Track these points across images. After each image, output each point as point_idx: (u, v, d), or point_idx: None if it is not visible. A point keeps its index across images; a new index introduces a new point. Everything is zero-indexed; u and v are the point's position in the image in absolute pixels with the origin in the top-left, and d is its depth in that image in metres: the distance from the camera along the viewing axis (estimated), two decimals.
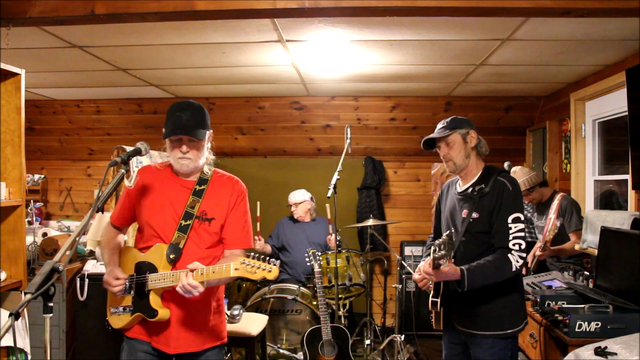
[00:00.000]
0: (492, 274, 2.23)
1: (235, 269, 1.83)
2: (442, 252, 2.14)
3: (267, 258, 1.84)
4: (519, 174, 3.78)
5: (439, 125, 2.46)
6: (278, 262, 1.84)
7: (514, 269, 2.22)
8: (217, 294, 2.23)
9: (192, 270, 1.92)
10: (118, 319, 2.16)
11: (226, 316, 3.22)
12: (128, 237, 3.67)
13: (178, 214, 2.11)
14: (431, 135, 2.45)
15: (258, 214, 4.54)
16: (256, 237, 4.60)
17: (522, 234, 2.26)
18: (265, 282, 4.35)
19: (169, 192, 2.14)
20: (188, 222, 2.09)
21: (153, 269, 2.07)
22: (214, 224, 2.13)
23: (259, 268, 1.81)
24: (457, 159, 2.40)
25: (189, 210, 2.11)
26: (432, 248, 2.20)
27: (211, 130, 2.18)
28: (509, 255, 2.23)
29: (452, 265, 2.22)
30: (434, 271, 2.21)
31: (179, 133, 2.03)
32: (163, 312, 2.05)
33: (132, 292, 2.11)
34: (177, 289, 1.92)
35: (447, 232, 2.20)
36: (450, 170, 2.46)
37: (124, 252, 2.25)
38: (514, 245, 2.24)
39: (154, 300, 2.06)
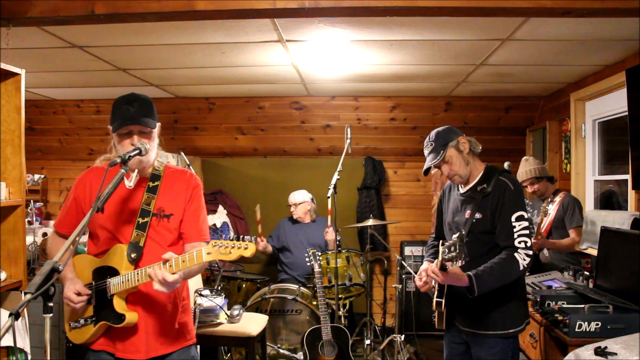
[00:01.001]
0: (500, 276, 2.23)
1: (208, 253, 1.72)
2: (453, 253, 2.12)
3: (242, 236, 1.74)
4: (531, 161, 3.77)
5: (428, 148, 2.42)
6: (253, 238, 1.75)
7: (521, 267, 2.22)
8: (182, 292, 2.13)
9: (166, 262, 1.79)
10: (79, 333, 2.01)
11: (226, 316, 3.23)
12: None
13: (134, 213, 2.00)
14: (430, 164, 2.41)
15: (259, 217, 4.56)
16: (258, 239, 4.61)
17: (527, 231, 2.27)
18: (265, 282, 4.36)
19: (121, 191, 2.00)
20: (145, 220, 1.99)
21: (114, 272, 1.94)
22: (173, 220, 2.04)
23: (233, 247, 1.69)
24: (460, 171, 2.39)
25: (144, 207, 2.01)
26: (442, 249, 2.19)
27: (160, 123, 2.08)
28: (515, 254, 2.23)
29: (459, 270, 2.21)
30: (441, 272, 2.20)
31: (129, 124, 1.93)
32: (131, 316, 1.93)
33: (92, 301, 1.97)
34: (155, 285, 1.80)
35: (457, 234, 2.18)
36: (457, 183, 2.46)
37: (78, 262, 2.08)
38: (519, 243, 2.24)
39: (119, 305, 1.93)
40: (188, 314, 2.17)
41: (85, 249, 4.08)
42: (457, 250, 2.11)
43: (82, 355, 2.09)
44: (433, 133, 2.44)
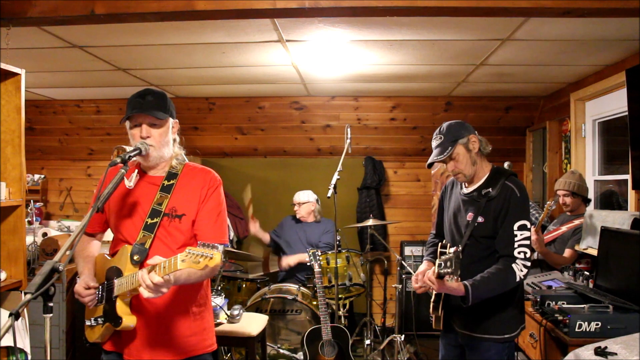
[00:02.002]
0: (495, 287, 2.22)
1: (182, 261, 1.63)
2: (448, 269, 2.09)
3: (212, 243, 1.64)
4: (577, 176, 3.64)
5: (436, 140, 2.35)
6: (222, 247, 1.65)
7: (517, 279, 2.19)
8: (196, 298, 2.05)
9: (153, 267, 1.73)
10: (92, 332, 2.01)
11: (226, 316, 3.22)
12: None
13: (145, 213, 1.97)
14: (435, 159, 2.35)
15: (249, 197, 4.67)
16: (251, 221, 4.71)
17: (528, 242, 2.22)
18: (265, 282, 4.36)
19: (136, 190, 2.00)
20: (155, 220, 1.95)
21: (119, 273, 1.93)
22: (185, 221, 1.97)
23: (201, 256, 1.60)
24: (465, 170, 2.34)
25: (155, 207, 1.96)
26: (438, 262, 2.16)
27: (177, 120, 2.06)
28: (513, 265, 2.19)
29: (458, 283, 2.19)
30: (437, 281, 2.19)
31: (136, 112, 1.91)
32: (128, 319, 1.90)
33: (102, 301, 1.97)
34: (140, 289, 1.74)
35: (454, 248, 2.13)
36: (461, 181, 2.43)
37: (97, 261, 2.10)
38: (519, 253, 2.20)
39: (120, 307, 1.91)
40: (204, 321, 2.08)
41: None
42: (453, 267, 2.07)
43: (99, 355, 2.08)
44: (445, 126, 2.35)
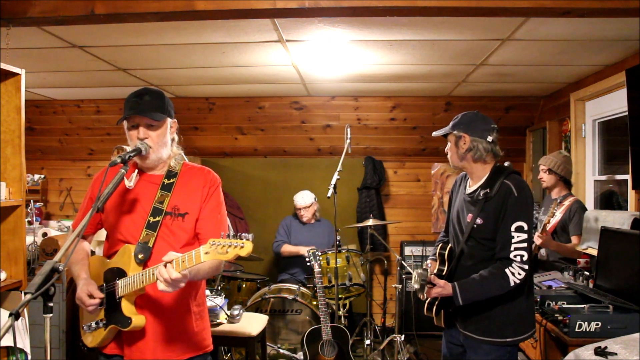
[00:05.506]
0: (487, 290, 2.21)
1: (206, 253, 1.62)
2: (416, 285, 2.26)
3: (240, 233, 1.61)
4: (557, 154, 3.70)
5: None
6: (251, 235, 1.61)
7: (512, 283, 2.16)
8: (197, 297, 2.05)
9: (169, 262, 1.71)
10: (91, 336, 1.98)
11: (226, 316, 3.23)
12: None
13: (146, 212, 1.94)
14: (436, 132, 2.46)
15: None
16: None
17: (525, 244, 2.17)
18: (265, 282, 4.36)
19: (135, 190, 1.98)
20: (157, 219, 1.92)
21: (122, 273, 1.89)
22: (188, 219, 1.96)
23: (229, 246, 1.58)
24: (451, 159, 2.41)
25: (157, 205, 1.94)
26: (413, 274, 2.31)
27: (175, 120, 2.05)
28: (508, 269, 2.16)
29: (446, 287, 2.26)
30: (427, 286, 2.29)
31: (133, 114, 1.89)
32: (137, 319, 1.87)
33: (103, 304, 1.92)
34: (159, 284, 1.71)
35: (421, 268, 2.31)
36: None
37: (92, 262, 2.05)
38: (515, 256, 2.16)
39: (127, 308, 1.87)
40: (204, 320, 2.09)
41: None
42: (418, 286, 2.26)
43: (96, 359, 2.05)
44: (464, 113, 2.37)
